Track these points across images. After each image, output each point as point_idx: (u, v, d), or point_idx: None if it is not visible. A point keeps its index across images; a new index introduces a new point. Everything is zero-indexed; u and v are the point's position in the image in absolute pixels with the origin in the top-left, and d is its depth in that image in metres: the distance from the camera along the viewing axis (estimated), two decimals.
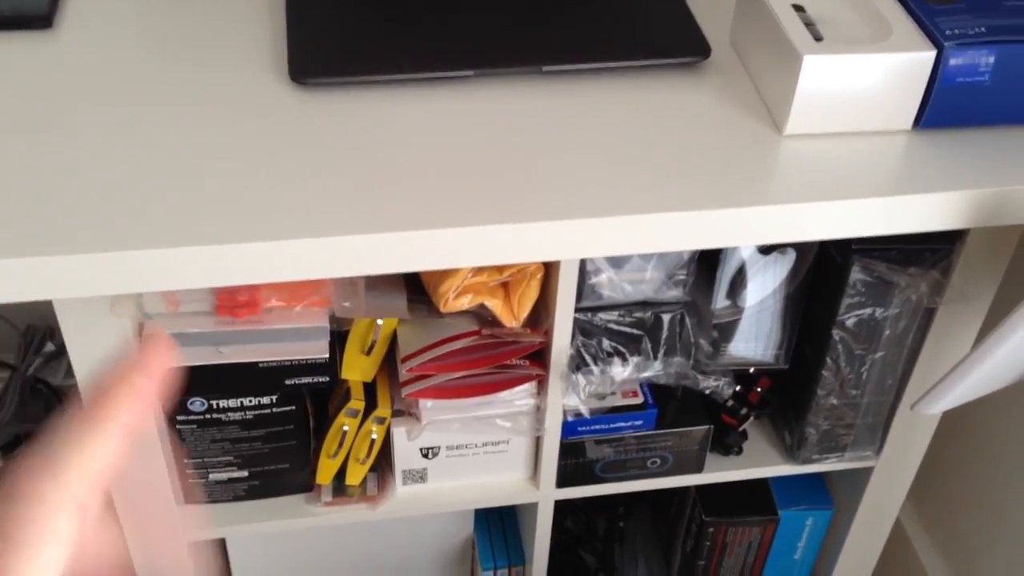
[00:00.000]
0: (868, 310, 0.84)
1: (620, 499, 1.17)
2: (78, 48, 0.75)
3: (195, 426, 0.84)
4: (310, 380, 0.81)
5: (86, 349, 0.74)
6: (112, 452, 0.33)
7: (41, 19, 0.75)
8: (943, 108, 0.69)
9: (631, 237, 0.66)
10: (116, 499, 0.87)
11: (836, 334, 0.85)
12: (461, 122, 0.71)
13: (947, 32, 0.67)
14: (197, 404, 0.82)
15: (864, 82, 0.68)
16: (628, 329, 0.85)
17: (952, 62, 0.67)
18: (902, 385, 0.90)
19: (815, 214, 0.67)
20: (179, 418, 0.83)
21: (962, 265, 0.81)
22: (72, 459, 0.32)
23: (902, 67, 0.67)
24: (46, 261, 0.60)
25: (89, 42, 0.75)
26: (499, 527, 1.09)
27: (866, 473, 0.98)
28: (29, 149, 0.66)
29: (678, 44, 0.76)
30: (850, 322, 0.85)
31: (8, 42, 0.75)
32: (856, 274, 0.81)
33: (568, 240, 0.66)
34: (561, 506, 0.97)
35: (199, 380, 0.80)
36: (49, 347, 1.21)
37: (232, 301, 0.77)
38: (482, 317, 0.83)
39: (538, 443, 0.91)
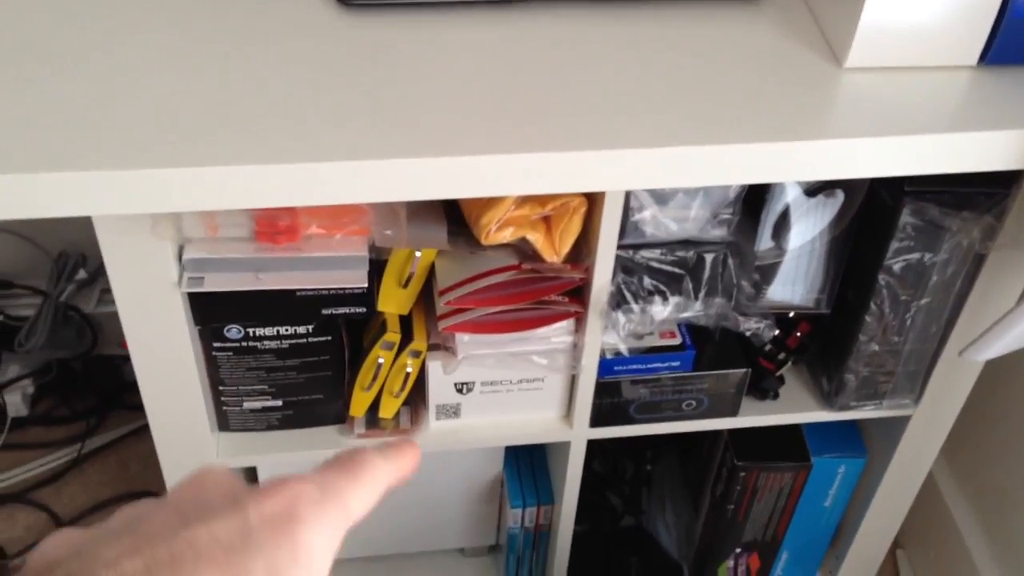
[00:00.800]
0: (917, 255, 0.82)
1: (648, 442, 1.16)
2: None
3: (231, 353, 0.83)
4: (347, 310, 0.81)
5: (126, 270, 0.73)
6: (366, 502, 0.36)
7: None
8: (1010, 44, 0.67)
9: (680, 169, 0.65)
10: (152, 423, 0.86)
11: (882, 279, 0.84)
12: (511, 48, 0.69)
13: None
14: (234, 331, 0.82)
15: (929, 15, 0.65)
16: (670, 268, 0.83)
17: None
18: (946, 332, 0.89)
19: (871, 149, 0.65)
20: (215, 345, 0.82)
21: (1017, 210, 0.78)
22: (337, 497, 0.35)
23: (969, 0, 0.65)
24: (88, 176, 0.59)
25: None
26: (528, 466, 1.09)
27: (903, 422, 0.97)
28: (75, 67, 0.65)
29: None
30: (897, 267, 0.83)
31: None
32: (907, 217, 0.79)
33: (615, 171, 0.64)
34: (589, 447, 0.96)
35: (236, 307, 0.79)
36: (81, 274, 1.22)
37: (272, 227, 0.76)
38: (522, 251, 0.82)
39: (573, 381, 0.90)
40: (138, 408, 1.26)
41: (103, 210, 0.61)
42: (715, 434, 1.05)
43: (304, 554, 0.32)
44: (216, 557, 0.30)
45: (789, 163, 0.65)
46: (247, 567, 0.30)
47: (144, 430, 1.30)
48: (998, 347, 0.75)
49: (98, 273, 1.23)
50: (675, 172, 0.65)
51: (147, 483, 1.26)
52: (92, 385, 1.30)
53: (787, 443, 1.03)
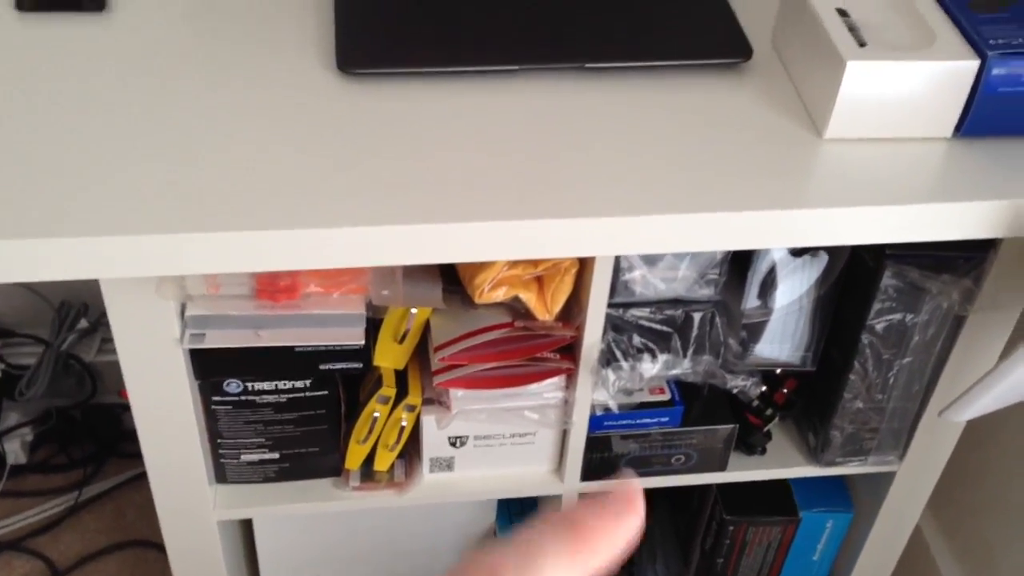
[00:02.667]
0: (898, 315, 0.84)
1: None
2: (129, 31, 0.76)
3: (230, 407, 0.85)
4: (344, 366, 0.83)
5: (130, 327, 0.75)
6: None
7: (94, 1, 0.77)
8: (984, 117, 0.70)
9: (666, 236, 0.67)
10: (151, 474, 0.88)
11: (865, 338, 0.86)
12: (503, 116, 0.72)
13: (991, 41, 0.68)
14: (233, 386, 0.84)
15: (906, 89, 0.68)
16: (659, 326, 0.86)
17: (995, 72, 0.67)
18: (928, 391, 0.91)
19: (851, 219, 0.68)
20: (215, 398, 0.84)
21: (995, 273, 0.81)
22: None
23: (945, 75, 0.68)
24: (96, 241, 0.62)
25: (140, 25, 0.77)
26: (521, 518, 1.10)
27: (888, 478, 0.99)
28: (79, 130, 0.68)
29: (720, 45, 0.77)
30: (880, 327, 0.85)
31: (62, 22, 0.76)
32: (888, 279, 0.82)
33: (603, 237, 0.67)
34: (580, 496, 0.98)
35: (236, 362, 0.81)
36: (83, 323, 1.24)
37: (272, 285, 0.78)
38: (515, 309, 0.84)
39: (564, 436, 0.92)
40: (135, 456, 1.27)
41: (111, 274, 0.63)
42: (705, 488, 1.07)
43: None
44: None
45: (772, 231, 0.67)
46: None
47: (141, 478, 1.32)
48: (977, 407, 0.77)
49: (99, 322, 1.25)
50: (663, 239, 0.67)
51: (144, 532, 1.27)
52: (91, 433, 1.32)
53: (776, 497, 1.05)
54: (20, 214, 0.62)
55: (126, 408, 1.34)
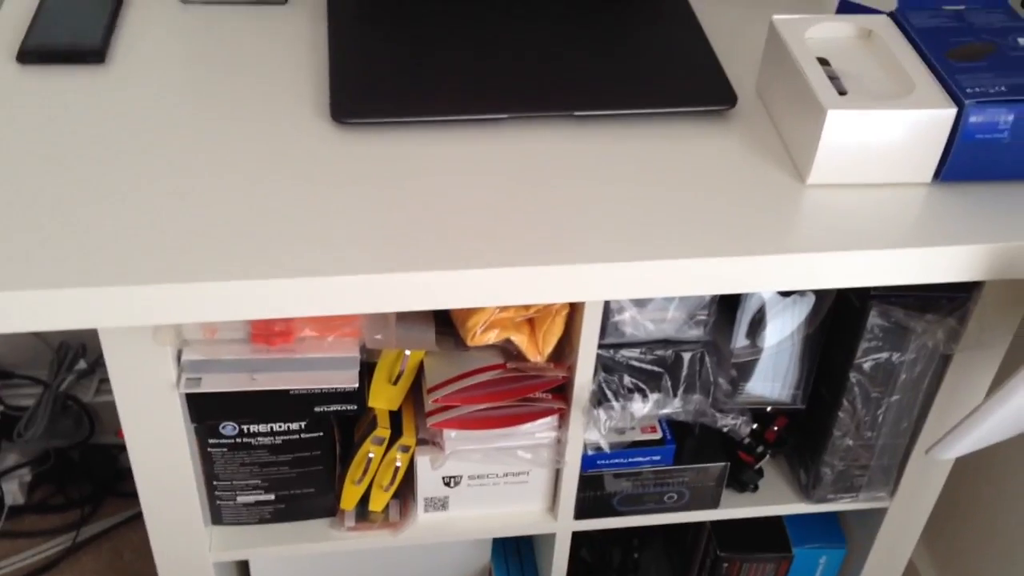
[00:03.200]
0: (885, 354, 0.86)
1: (635, 530, 1.18)
2: (128, 83, 0.78)
3: (225, 449, 0.86)
4: (339, 408, 0.84)
5: (127, 372, 0.76)
6: None
7: (94, 54, 0.78)
8: (962, 163, 0.72)
9: (653, 282, 0.69)
10: (147, 516, 0.89)
11: (853, 377, 0.87)
12: (493, 164, 0.73)
13: (968, 90, 0.69)
14: (229, 428, 0.85)
15: (886, 136, 0.70)
16: (649, 366, 0.87)
17: (972, 119, 0.69)
18: (917, 428, 0.92)
19: (835, 263, 0.69)
20: (210, 441, 0.85)
21: (978, 313, 0.82)
22: None
23: (924, 123, 0.70)
24: (94, 292, 0.63)
25: (139, 77, 0.78)
26: (516, 556, 1.11)
27: (880, 513, 1.00)
28: (77, 181, 0.69)
29: (705, 92, 0.79)
30: (867, 365, 0.86)
31: (63, 75, 0.78)
32: (874, 319, 0.83)
33: (592, 284, 0.68)
34: (576, 536, 0.98)
35: (231, 405, 0.82)
36: (81, 364, 1.25)
37: (267, 330, 0.79)
38: (507, 351, 0.86)
39: (557, 475, 0.93)
40: (132, 496, 1.28)
41: (109, 323, 0.64)
42: (699, 524, 1.08)
43: None
44: None
45: (757, 276, 0.69)
46: None
47: (138, 518, 1.32)
48: (964, 445, 0.78)
49: (97, 363, 1.26)
50: (650, 284, 0.69)
51: (141, 572, 1.28)
52: (88, 473, 1.32)
53: (769, 533, 1.05)
54: (18, 266, 0.63)
55: (123, 448, 1.35)
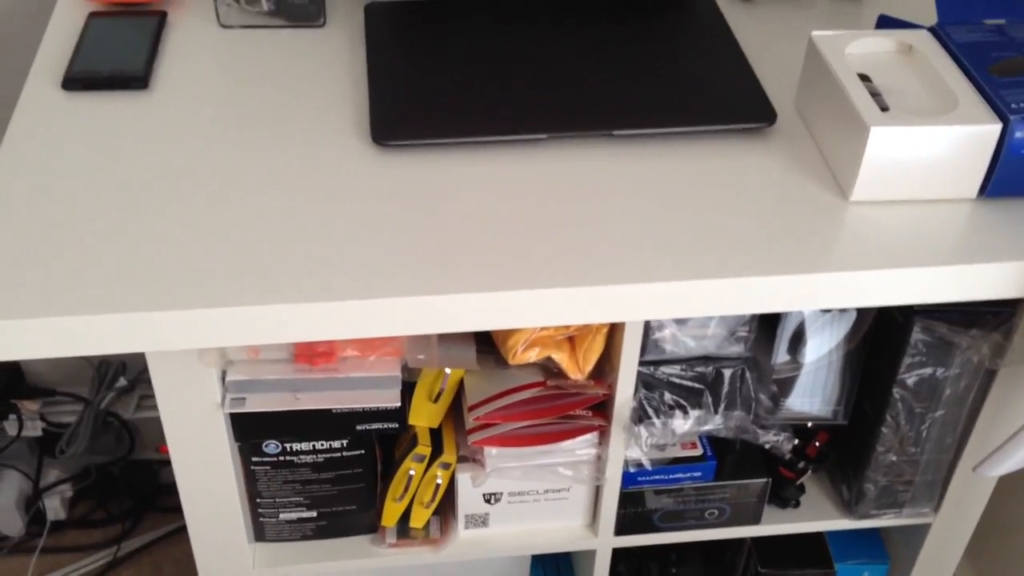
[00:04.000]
0: (929, 370, 0.85)
1: (673, 545, 1.18)
2: (171, 108, 0.79)
3: (269, 467, 0.87)
4: (380, 426, 0.84)
5: (173, 393, 0.77)
6: None
7: (138, 80, 0.80)
8: (1008, 178, 0.71)
9: (694, 301, 0.68)
10: (192, 533, 0.90)
11: (896, 392, 0.86)
12: (533, 184, 0.73)
13: (1013, 105, 0.69)
14: (272, 447, 0.85)
15: (930, 153, 0.70)
16: (690, 383, 0.87)
17: (1018, 135, 0.69)
18: (962, 443, 0.91)
19: (878, 281, 0.69)
20: (254, 459, 0.86)
21: (1023, 328, 0.81)
22: None
23: (968, 139, 0.69)
24: (141, 317, 0.64)
25: (181, 102, 0.79)
26: (555, 572, 1.11)
27: (923, 529, 0.99)
28: (123, 206, 0.70)
29: (745, 110, 0.79)
30: (911, 381, 0.86)
31: (107, 101, 0.79)
32: (917, 334, 0.82)
33: (632, 304, 0.68)
34: (614, 551, 0.98)
35: (275, 424, 0.83)
36: (121, 382, 1.26)
37: (310, 351, 0.80)
38: (547, 368, 0.86)
39: (598, 492, 0.93)
40: (172, 510, 1.29)
41: (156, 347, 0.65)
42: (739, 540, 1.07)
43: None
44: None
45: (799, 294, 0.68)
46: None
47: (177, 533, 1.33)
48: (1011, 463, 0.77)
49: (137, 380, 1.28)
50: (691, 304, 0.69)
51: None
52: (129, 489, 1.34)
53: (810, 549, 1.05)
54: (66, 291, 0.64)
55: (163, 463, 1.36)
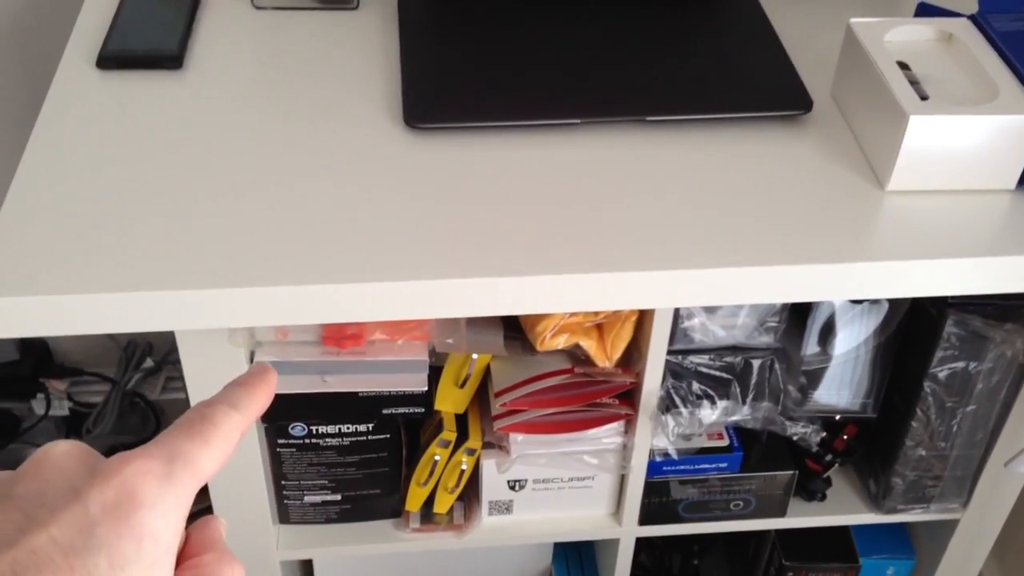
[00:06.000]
0: (961, 363, 0.84)
1: (696, 537, 1.17)
2: (205, 88, 0.79)
3: (294, 450, 0.87)
4: (406, 410, 0.84)
5: (202, 374, 0.77)
6: (219, 459, 0.35)
7: (172, 59, 0.80)
8: None
9: (726, 289, 0.68)
10: (216, 514, 0.90)
11: (927, 386, 0.85)
12: (565, 169, 0.73)
13: None
14: (298, 429, 0.85)
15: (969, 142, 0.69)
16: (718, 373, 0.86)
17: None
18: (993, 439, 0.90)
19: (914, 271, 0.68)
20: (280, 441, 0.86)
21: None
22: (185, 465, 0.34)
23: (1009, 129, 0.68)
24: (172, 295, 0.64)
25: (215, 82, 0.79)
26: (577, 560, 1.10)
27: (951, 525, 0.98)
28: (155, 186, 0.70)
29: (780, 97, 0.78)
30: (942, 374, 0.85)
31: (141, 80, 0.79)
32: (951, 328, 0.81)
33: (664, 291, 0.67)
34: (637, 542, 0.98)
35: (301, 406, 0.83)
36: (148, 363, 1.27)
37: (339, 333, 0.80)
38: (575, 356, 0.85)
39: (623, 480, 0.92)
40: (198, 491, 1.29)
41: (186, 326, 0.65)
42: (763, 532, 1.06)
43: (149, 541, 0.31)
44: (56, 562, 0.29)
45: (833, 284, 0.68)
46: (88, 567, 0.29)
47: (202, 513, 1.34)
48: None
49: (164, 361, 1.28)
50: (723, 292, 0.68)
51: None
52: None
53: (835, 543, 1.04)
54: (98, 269, 0.64)
55: None
